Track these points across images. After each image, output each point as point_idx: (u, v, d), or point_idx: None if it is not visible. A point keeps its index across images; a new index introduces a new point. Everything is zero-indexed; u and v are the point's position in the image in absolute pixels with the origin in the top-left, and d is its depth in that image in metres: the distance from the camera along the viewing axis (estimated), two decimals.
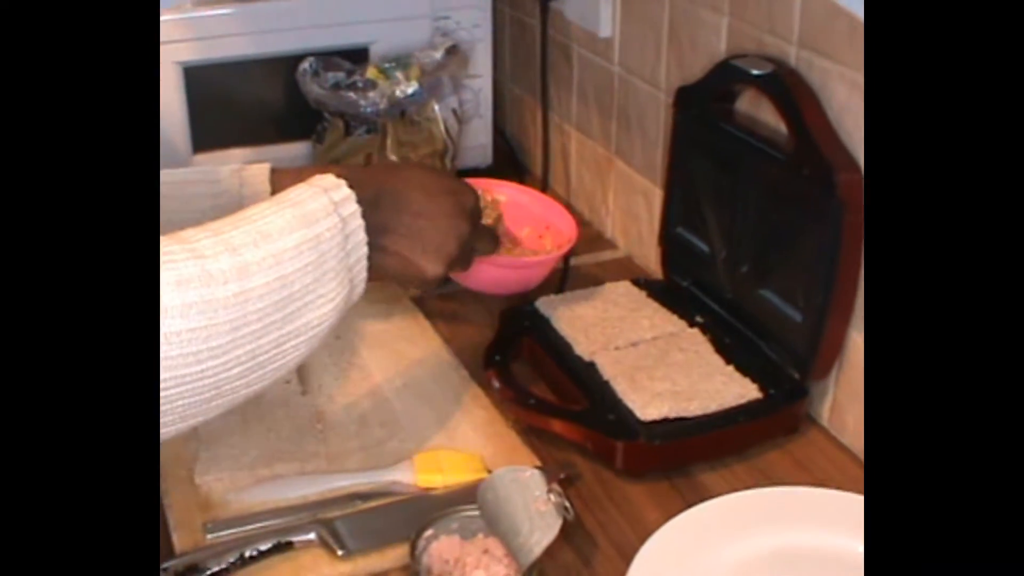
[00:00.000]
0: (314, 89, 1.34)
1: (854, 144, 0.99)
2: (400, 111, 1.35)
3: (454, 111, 1.42)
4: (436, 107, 1.38)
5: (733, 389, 1.03)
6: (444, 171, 0.98)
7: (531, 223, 1.21)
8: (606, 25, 1.34)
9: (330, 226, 0.80)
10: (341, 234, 0.80)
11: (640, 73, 1.31)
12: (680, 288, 1.20)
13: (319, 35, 1.40)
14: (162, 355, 0.69)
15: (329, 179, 0.83)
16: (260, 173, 1.01)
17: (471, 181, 1.03)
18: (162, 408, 0.71)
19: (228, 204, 0.97)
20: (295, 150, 1.43)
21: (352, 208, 0.82)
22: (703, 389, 1.03)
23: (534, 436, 1.04)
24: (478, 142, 1.54)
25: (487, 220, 1.13)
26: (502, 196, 1.20)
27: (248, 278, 0.74)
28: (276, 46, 1.39)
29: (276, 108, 1.43)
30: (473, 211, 0.95)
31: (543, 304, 1.17)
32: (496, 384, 1.08)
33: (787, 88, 1.03)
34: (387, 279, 0.91)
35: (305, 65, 1.35)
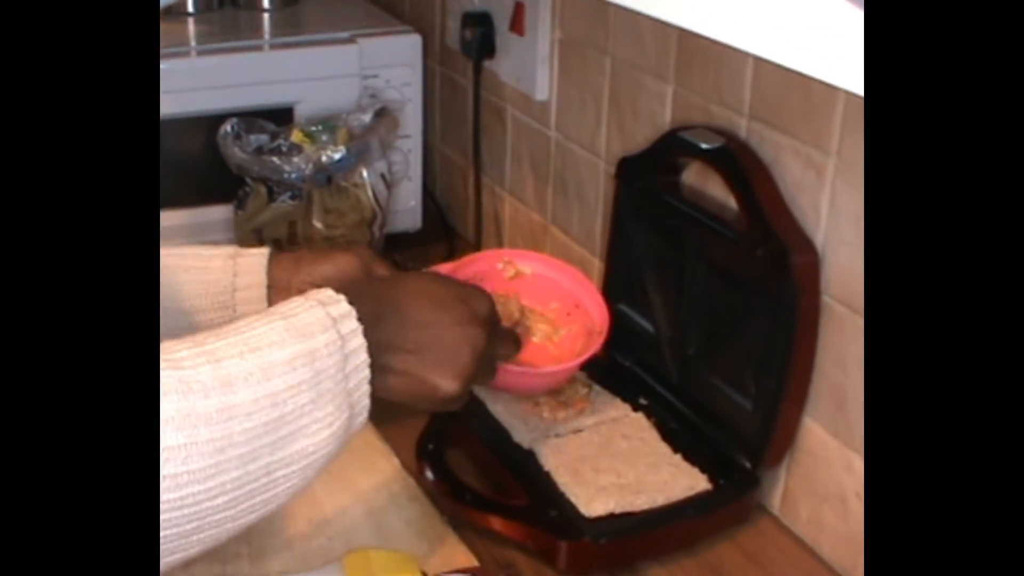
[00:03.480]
0: (236, 153, 1.28)
1: (809, 224, 0.94)
2: (326, 177, 1.30)
3: (383, 175, 1.36)
4: (364, 173, 1.32)
5: (681, 481, 0.98)
6: (450, 279, 0.88)
7: (559, 298, 1.10)
8: (543, 88, 1.30)
9: (328, 342, 0.72)
10: (340, 352, 0.73)
11: (579, 139, 1.25)
12: (623, 368, 1.14)
13: (241, 94, 1.35)
14: None
15: (326, 293, 0.76)
16: (257, 262, 0.93)
17: (499, 252, 0.97)
18: None
19: (220, 295, 0.91)
20: (216, 214, 1.36)
21: (352, 325, 0.74)
22: (650, 481, 0.97)
23: (472, 533, 0.98)
24: (407, 205, 1.49)
25: (507, 320, 1.04)
26: (527, 268, 1.10)
27: (233, 392, 0.66)
28: (196, 105, 1.33)
29: (196, 171, 1.36)
30: (488, 317, 0.86)
31: (478, 386, 1.11)
32: (430, 476, 1.01)
33: (738, 163, 0.98)
34: (398, 401, 0.82)
35: (227, 127, 1.29)
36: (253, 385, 0.67)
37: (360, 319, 0.75)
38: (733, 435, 1.01)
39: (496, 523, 0.96)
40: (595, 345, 1.04)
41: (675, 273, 1.06)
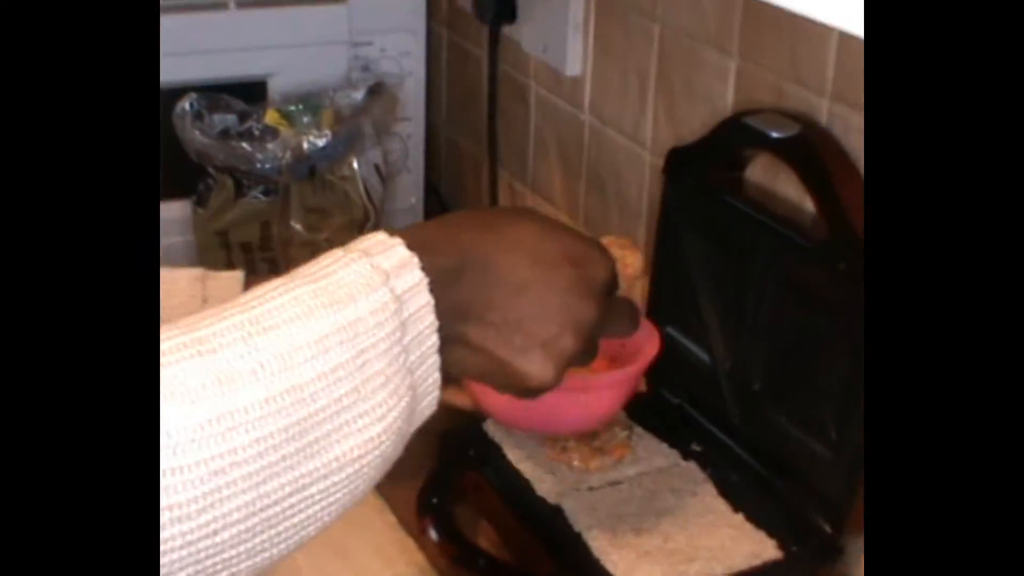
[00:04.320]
0: (195, 137, 1.31)
1: None
2: (308, 168, 1.32)
3: (376, 167, 1.38)
4: (355, 163, 1.35)
5: (744, 546, 0.99)
6: (562, 227, 0.83)
7: None
8: (575, 61, 1.31)
9: (375, 306, 0.67)
10: (394, 319, 0.68)
11: (618, 125, 1.27)
12: (671, 407, 1.15)
13: (203, 63, 1.37)
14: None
15: (376, 238, 0.72)
16: (228, 285, 0.89)
17: None
18: None
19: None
20: (170, 212, 1.38)
21: (413, 279, 0.70)
22: (705, 546, 0.99)
23: None
24: (406, 204, 1.51)
25: (625, 281, 0.95)
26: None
27: (234, 392, 0.63)
28: None
29: None
30: (605, 287, 0.81)
31: (493, 426, 1.12)
32: (433, 536, 1.02)
33: (816, 154, 0.99)
34: (468, 380, 0.79)
35: (184, 105, 1.31)
36: (264, 380, 0.63)
37: (430, 270, 0.71)
38: (809, 491, 1.02)
39: None
40: (648, 354, 1.05)
41: (737, 291, 1.07)
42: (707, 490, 1.05)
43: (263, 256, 1.35)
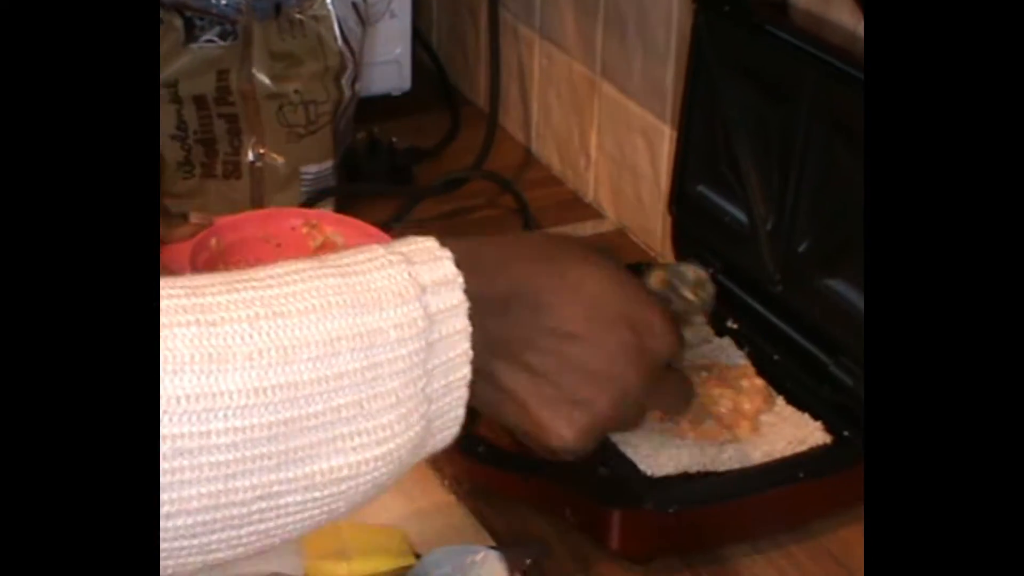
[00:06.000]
0: None
1: None
2: (274, 5, 1.34)
3: (355, 6, 1.40)
4: (328, 0, 1.37)
5: (786, 431, 1.04)
6: (634, 282, 0.87)
7: None
8: None
9: (402, 321, 0.71)
10: (421, 339, 0.72)
11: None
12: None
13: None
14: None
15: (425, 244, 0.75)
16: None
17: (299, 211, 1.01)
18: None
19: None
20: None
21: (453, 300, 0.73)
22: (738, 431, 1.03)
23: (484, 501, 1.04)
24: (390, 54, 1.54)
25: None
26: (339, 237, 1.12)
27: (224, 373, 0.65)
28: None
29: None
30: (661, 360, 0.85)
31: None
32: None
33: None
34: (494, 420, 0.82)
35: None
36: (259, 369, 0.66)
37: (477, 299, 0.74)
38: (862, 368, 1.05)
39: (520, 486, 1.02)
40: None
41: (780, 138, 1.11)
42: (745, 370, 1.09)
43: (221, 112, 1.37)
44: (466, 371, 0.74)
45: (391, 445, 0.71)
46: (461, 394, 0.74)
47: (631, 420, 0.87)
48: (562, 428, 0.81)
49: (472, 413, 0.76)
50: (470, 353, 0.74)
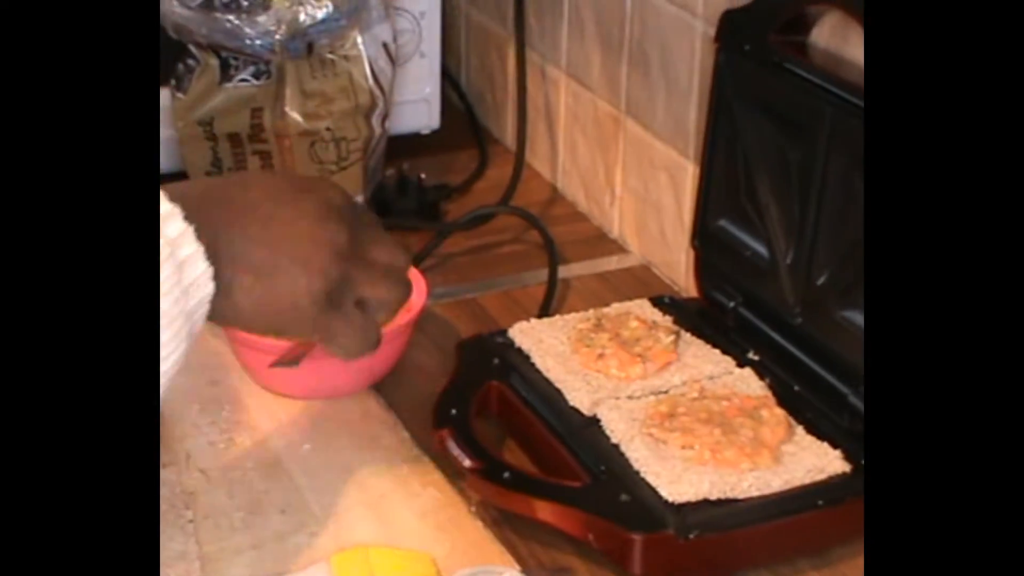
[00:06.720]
0: (173, 8, 1.34)
1: None
2: (306, 45, 1.35)
3: (385, 46, 1.42)
4: (359, 40, 1.38)
5: (805, 459, 1.05)
6: (289, 173, 1.05)
7: None
8: None
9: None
10: (171, 262, 0.85)
11: None
12: (723, 309, 1.21)
13: None
14: None
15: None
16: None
17: None
18: None
19: None
20: None
21: (178, 228, 0.86)
22: (760, 459, 1.04)
23: (509, 526, 1.05)
24: (420, 93, 1.57)
25: None
26: None
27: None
28: None
29: None
30: (344, 211, 0.98)
31: (520, 333, 1.19)
32: (453, 450, 1.07)
33: None
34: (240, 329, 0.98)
35: None
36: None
37: (186, 217, 0.86)
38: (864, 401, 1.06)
39: (545, 511, 1.03)
40: (414, 306, 1.17)
41: (800, 173, 1.12)
42: (766, 401, 1.10)
43: (255, 149, 1.39)
44: (211, 287, 0.88)
45: (167, 364, 0.85)
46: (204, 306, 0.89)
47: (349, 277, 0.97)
48: (302, 279, 0.93)
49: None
50: (210, 270, 0.87)
